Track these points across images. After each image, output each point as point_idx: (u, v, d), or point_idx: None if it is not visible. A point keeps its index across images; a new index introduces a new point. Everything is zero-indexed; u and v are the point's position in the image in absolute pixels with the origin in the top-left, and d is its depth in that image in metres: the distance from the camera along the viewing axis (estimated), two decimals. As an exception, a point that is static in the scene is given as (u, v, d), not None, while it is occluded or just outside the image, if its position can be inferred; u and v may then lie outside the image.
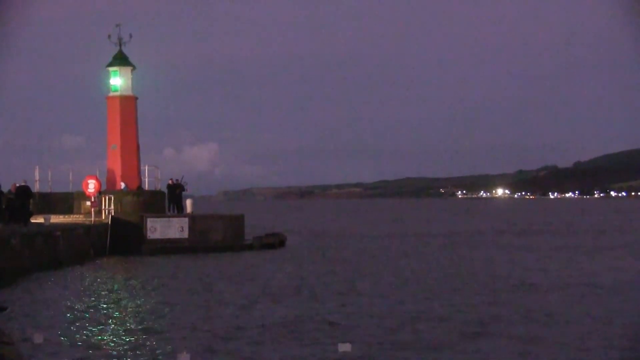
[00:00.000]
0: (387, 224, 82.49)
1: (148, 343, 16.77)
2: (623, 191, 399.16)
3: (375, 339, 16.97)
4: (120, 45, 46.75)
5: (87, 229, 39.20)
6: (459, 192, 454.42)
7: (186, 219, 43.06)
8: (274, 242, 45.08)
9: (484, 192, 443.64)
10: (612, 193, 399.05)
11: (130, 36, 46.89)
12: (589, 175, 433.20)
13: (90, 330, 18.29)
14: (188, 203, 45.50)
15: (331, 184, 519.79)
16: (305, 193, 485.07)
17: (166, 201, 45.97)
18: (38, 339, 16.51)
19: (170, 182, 45.69)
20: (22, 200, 37.51)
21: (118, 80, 46.67)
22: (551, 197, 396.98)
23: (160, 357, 15.45)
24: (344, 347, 15.44)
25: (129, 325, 19.04)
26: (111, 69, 46.79)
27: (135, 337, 17.48)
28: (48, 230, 34.45)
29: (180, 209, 45.38)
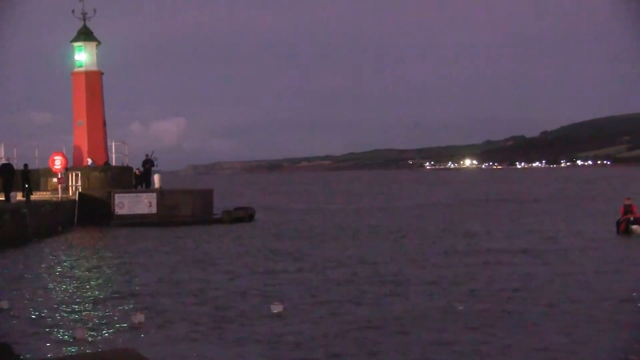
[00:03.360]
0: (356, 197, 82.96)
1: (107, 306, 17.84)
2: (589, 160, 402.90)
3: (307, 301, 17.99)
4: (84, 20, 46.32)
5: (55, 205, 38.97)
6: (427, 163, 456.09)
7: (154, 194, 42.95)
8: (243, 216, 45.13)
9: (452, 163, 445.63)
10: (579, 162, 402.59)
11: (95, 11, 46.57)
12: (556, 144, 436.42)
13: (54, 295, 19.38)
14: (156, 178, 45.36)
15: (300, 156, 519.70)
16: (274, 166, 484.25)
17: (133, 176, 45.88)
18: (4, 305, 17.43)
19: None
20: (8, 177, 37.76)
21: (83, 56, 46.24)
22: (518, 166, 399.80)
23: (117, 316, 16.53)
24: (277, 308, 16.63)
25: (90, 290, 20.15)
26: (76, 44, 46.33)
27: (96, 301, 18.55)
28: (15, 207, 34.18)
29: (148, 184, 45.27)
